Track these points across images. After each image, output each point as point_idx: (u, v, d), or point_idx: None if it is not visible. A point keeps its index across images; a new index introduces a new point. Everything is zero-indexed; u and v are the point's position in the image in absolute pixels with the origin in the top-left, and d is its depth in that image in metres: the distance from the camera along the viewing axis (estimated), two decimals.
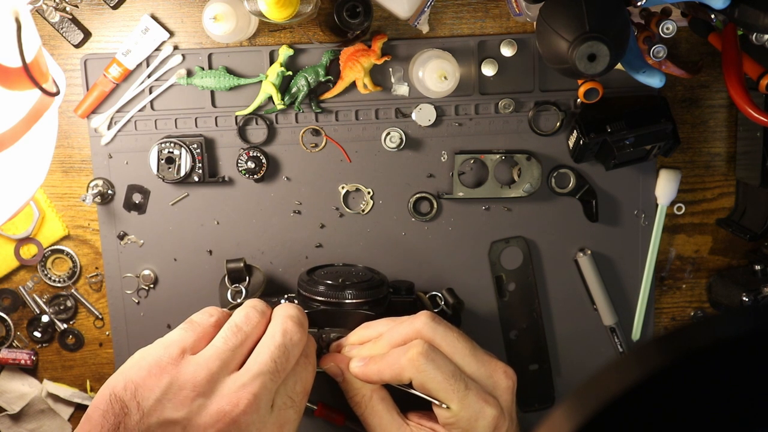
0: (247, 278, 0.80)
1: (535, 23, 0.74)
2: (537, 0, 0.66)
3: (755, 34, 0.67)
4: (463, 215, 0.83)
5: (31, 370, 0.86)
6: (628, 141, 0.77)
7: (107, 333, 0.85)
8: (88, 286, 0.85)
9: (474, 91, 0.81)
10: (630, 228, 0.84)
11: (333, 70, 0.80)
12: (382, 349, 0.69)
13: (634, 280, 0.85)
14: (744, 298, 0.80)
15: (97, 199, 0.81)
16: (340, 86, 0.80)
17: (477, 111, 0.82)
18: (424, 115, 0.81)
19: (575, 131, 0.79)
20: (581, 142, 0.78)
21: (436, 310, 0.79)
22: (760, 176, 0.78)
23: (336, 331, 0.73)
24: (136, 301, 0.84)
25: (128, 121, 0.81)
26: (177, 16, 0.80)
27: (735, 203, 0.85)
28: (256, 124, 0.82)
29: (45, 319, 0.85)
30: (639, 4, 0.63)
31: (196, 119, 0.81)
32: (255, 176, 0.81)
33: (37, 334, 0.85)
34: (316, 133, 0.82)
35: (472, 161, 0.82)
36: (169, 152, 0.80)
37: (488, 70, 0.81)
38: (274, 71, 0.79)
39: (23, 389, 0.85)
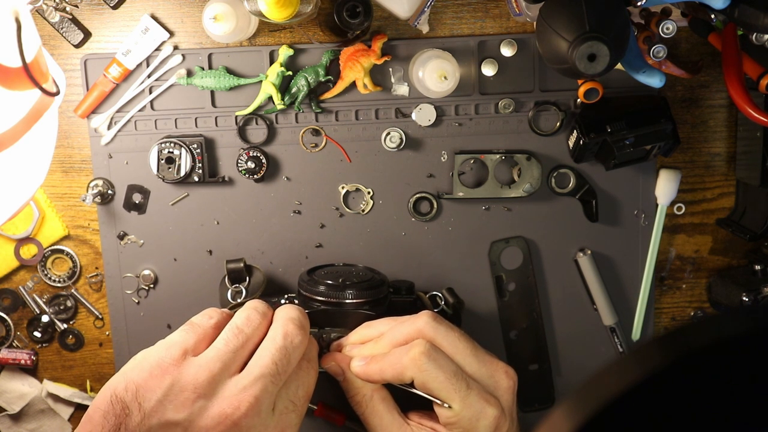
0: (247, 278, 0.80)
1: (535, 23, 0.74)
2: (537, 0, 0.66)
3: (755, 34, 0.67)
4: (463, 215, 0.83)
5: (31, 370, 0.86)
6: (628, 141, 0.77)
7: (107, 333, 0.85)
8: (88, 286, 0.85)
9: (474, 91, 0.81)
10: (630, 228, 0.84)
11: (333, 70, 0.80)
12: (383, 348, 0.69)
13: (634, 280, 0.85)
14: (744, 298, 0.80)
15: (97, 199, 0.81)
16: (340, 86, 0.80)
17: (477, 111, 0.82)
18: (424, 115, 0.81)
19: (575, 131, 0.79)
20: (581, 142, 0.78)
21: (436, 310, 0.79)
22: (760, 176, 0.78)
23: (336, 331, 0.73)
24: (136, 301, 0.84)
25: (128, 121, 0.81)
26: (177, 16, 0.80)
27: (735, 203, 0.85)
28: (256, 124, 0.82)
29: (45, 319, 0.85)
30: (639, 4, 0.63)
31: (196, 119, 0.81)
32: (255, 176, 0.81)
33: (37, 334, 0.85)
34: (316, 133, 0.82)
35: (472, 161, 0.82)
36: (169, 152, 0.80)
37: (488, 70, 0.81)
38: (274, 71, 0.79)
39: (23, 389, 0.85)
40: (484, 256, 0.84)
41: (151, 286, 0.84)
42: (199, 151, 0.80)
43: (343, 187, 0.83)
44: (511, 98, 0.81)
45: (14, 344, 0.86)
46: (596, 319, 0.85)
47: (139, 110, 0.81)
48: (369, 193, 0.83)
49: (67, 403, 0.85)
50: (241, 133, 0.82)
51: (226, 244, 0.83)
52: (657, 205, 0.83)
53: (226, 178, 0.82)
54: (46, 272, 0.84)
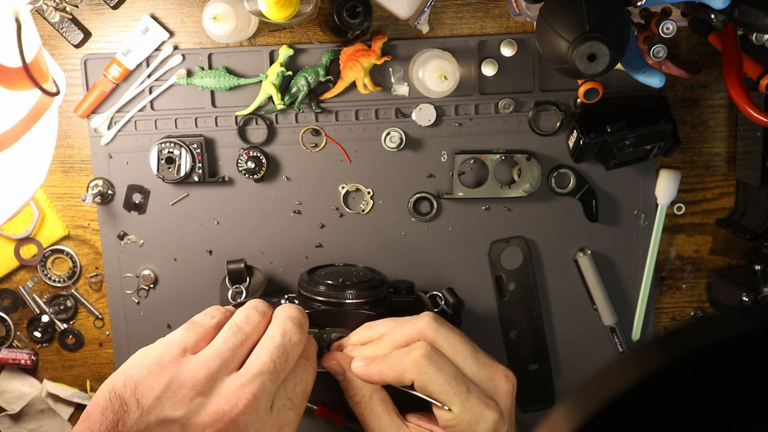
0: (248, 279, 0.80)
1: (535, 23, 0.74)
2: (537, 0, 0.66)
3: (755, 34, 0.67)
4: (463, 215, 0.83)
5: (31, 370, 0.86)
6: (628, 141, 0.77)
7: (107, 333, 0.85)
8: (88, 286, 0.85)
9: (474, 91, 0.81)
10: (630, 228, 0.84)
11: (333, 70, 0.80)
12: (384, 349, 0.69)
13: (634, 280, 0.85)
14: (744, 298, 0.80)
15: (97, 199, 0.81)
16: (340, 86, 0.80)
17: (477, 111, 0.82)
18: (424, 115, 0.81)
19: (575, 131, 0.79)
20: (581, 142, 0.78)
21: (436, 310, 0.79)
22: (760, 176, 0.78)
23: (337, 331, 0.73)
24: (136, 301, 0.84)
25: (128, 121, 0.81)
26: (177, 16, 0.80)
27: (735, 203, 0.85)
28: (256, 124, 0.82)
29: (45, 319, 0.85)
30: (639, 4, 0.63)
31: (196, 119, 0.81)
32: (255, 176, 0.81)
33: (37, 334, 0.85)
34: (316, 133, 0.82)
35: (472, 161, 0.82)
36: (169, 152, 0.80)
37: (488, 70, 0.81)
38: (274, 71, 0.79)
39: (23, 389, 0.85)
40: (484, 256, 0.84)
41: (151, 286, 0.84)
42: (199, 151, 0.80)
43: (343, 187, 0.83)
44: (511, 98, 0.81)
45: (14, 344, 0.86)
46: (596, 319, 0.85)
47: (139, 110, 0.81)
48: (369, 193, 0.83)
49: (67, 403, 0.85)
50: (241, 133, 0.82)
51: (226, 244, 0.83)
52: (657, 205, 0.83)
53: (226, 178, 0.82)
54: (46, 272, 0.84)
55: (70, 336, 0.85)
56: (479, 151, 0.82)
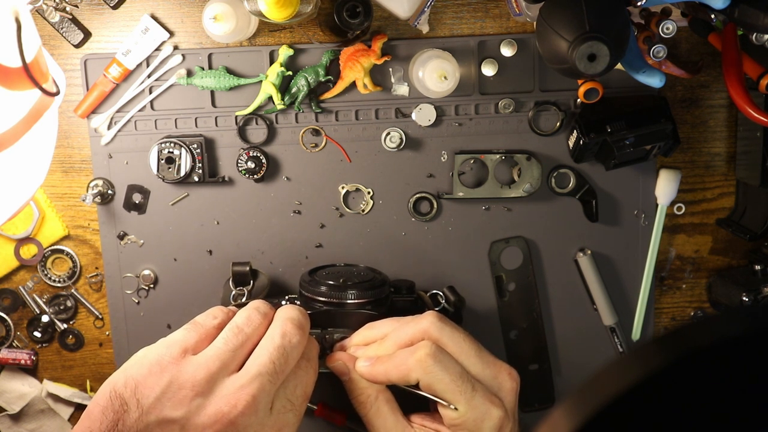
0: (252, 282, 0.80)
1: (535, 23, 0.74)
2: (537, 0, 0.66)
3: (755, 34, 0.67)
4: (463, 215, 0.83)
5: (31, 370, 0.86)
6: (628, 141, 0.77)
7: (107, 333, 0.85)
8: (88, 286, 0.85)
9: (474, 91, 0.81)
10: (630, 228, 0.84)
11: (333, 70, 0.80)
12: (388, 349, 0.69)
13: (634, 280, 0.85)
14: (744, 298, 0.80)
15: (97, 199, 0.81)
16: (340, 86, 0.80)
17: (477, 111, 0.82)
18: (424, 115, 0.81)
19: (575, 131, 0.79)
20: (581, 142, 0.78)
21: (437, 309, 0.79)
22: (760, 176, 0.78)
23: (339, 332, 0.73)
24: (136, 301, 0.84)
25: (128, 121, 0.81)
26: (177, 16, 0.80)
27: (735, 203, 0.85)
28: (256, 124, 0.82)
29: (45, 319, 0.85)
30: (639, 4, 0.63)
31: (196, 119, 0.81)
32: (255, 176, 0.81)
33: (37, 334, 0.85)
34: (316, 133, 0.82)
35: (472, 161, 0.82)
36: (169, 152, 0.80)
37: (488, 70, 0.81)
38: (274, 71, 0.79)
39: (23, 389, 0.85)
40: (484, 256, 0.84)
41: (151, 286, 0.84)
42: (199, 151, 0.80)
43: (343, 187, 0.83)
44: (511, 98, 0.81)
45: (14, 344, 0.86)
46: (596, 319, 0.85)
47: (139, 110, 0.81)
48: (369, 193, 0.83)
49: (67, 403, 0.85)
50: (241, 133, 0.82)
51: (226, 244, 0.83)
52: (657, 205, 0.83)
53: (226, 178, 0.82)
54: (46, 272, 0.84)
55: (70, 336, 0.85)
56: (479, 151, 0.82)
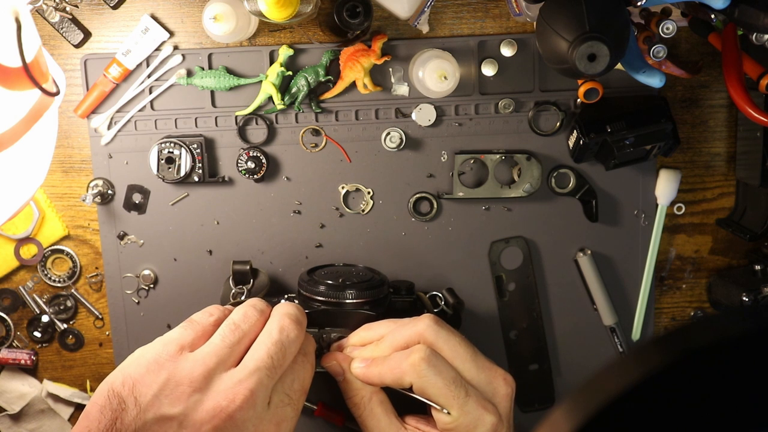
0: (252, 281, 0.80)
1: (535, 23, 0.74)
2: (537, 0, 0.66)
3: (755, 34, 0.67)
4: (463, 215, 0.83)
5: (31, 370, 0.86)
6: (628, 141, 0.77)
7: (107, 333, 0.85)
8: (88, 286, 0.85)
9: (474, 91, 0.81)
10: (630, 228, 0.84)
11: (333, 70, 0.80)
12: (384, 351, 0.69)
13: (634, 280, 0.85)
14: (744, 298, 0.80)
15: (97, 199, 0.81)
16: (340, 86, 0.80)
17: (477, 111, 0.82)
18: (424, 115, 0.81)
19: (575, 131, 0.79)
20: (581, 142, 0.78)
21: (436, 310, 0.79)
22: (760, 176, 0.78)
23: (337, 332, 0.73)
24: (136, 301, 0.84)
25: (128, 121, 0.81)
26: (177, 16, 0.80)
27: (735, 203, 0.85)
28: (256, 124, 0.82)
29: (45, 319, 0.85)
30: (639, 4, 0.63)
31: (196, 119, 0.81)
32: (255, 176, 0.81)
33: (37, 334, 0.85)
34: (316, 133, 0.82)
35: (472, 161, 0.82)
36: (169, 152, 0.80)
37: (488, 70, 0.81)
38: (274, 71, 0.79)
39: (23, 389, 0.85)
40: (484, 256, 0.84)
41: (151, 286, 0.84)
42: (199, 151, 0.80)
43: (343, 187, 0.83)
44: (511, 98, 0.81)
45: (14, 344, 0.86)
46: (596, 319, 0.85)
47: (139, 110, 0.81)
48: (369, 193, 0.83)
49: (67, 403, 0.85)
50: (241, 133, 0.82)
51: (226, 244, 0.83)
52: (657, 205, 0.83)
53: (226, 178, 0.82)
54: (46, 272, 0.84)
55: (70, 336, 0.85)
56: (479, 151, 0.82)
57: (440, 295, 0.80)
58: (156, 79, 0.80)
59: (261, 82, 0.80)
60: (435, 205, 0.83)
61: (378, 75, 0.81)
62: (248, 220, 0.83)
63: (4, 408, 0.85)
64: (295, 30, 0.81)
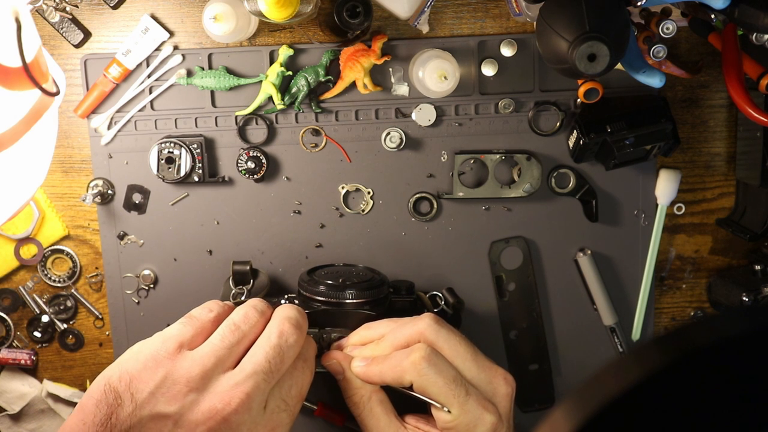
0: (252, 281, 0.80)
1: (535, 23, 0.74)
2: (537, 0, 0.66)
3: (755, 34, 0.67)
4: (463, 215, 0.83)
5: (31, 370, 0.86)
6: (628, 141, 0.77)
7: (107, 333, 0.85)
8: (88, 286, 0.85)
9: (474, 91, 0.81)
10: (630, 228, 0.84)
11: (333, 70, 0.80)
12: (384, 350, 0.69)
13: (634, 280, 0.85)
14: (744, 298, 0.80)
15: (97, 199, 0.81)
16: (340, 86, 0.80)
17: (477, 111, 0.82)
18: (424, 115, 0.81)
19: (575, 131, 0.79)
20: (581, 142, 0.78)
21: (436, 310, 0.79)
22: (760, 176, 0.78)
23: (337, 332, 0.73)
24: (136, 301, 0.84)
25: (128, 121, 0.81)
26: (177, 16, 0.80)
27: (735, 203, 0.85)
28: (256, 124, 0.82)
29: (45, 319, 0.85)
30: (639, 4, 0.63)
31: (196, 119, 0.81)
32: (255, 176, 0.81)
33: (37, 334, 0.85)
34: (316, 133, 0.82)
35: (472, 161, 0.82)
36: (169, 152, 0.80)
37: (488, 70, 0.81)
38: (274, 71, 0.79)
39: (23, 389, 0.85)
40: (484, 256, 0.84)
41: (151, 286, 0.84)
42: (199, 151, 0.80)
43: (343, 187, 0.83)
44: (511, 98, 0.81)
45: (14, 344, 0.86)
46: (596, 319, 0.85)
47: (139, 110, 0.81)
48: (369, 193, 0.83)
49: (67, 403, 0.85)
50: (241, 133, 0.82)
51: (226, 244, 0.83)
52: (657, 205, 0.83)
53: (226, 178, 0.82)
54: (46, 272, 0.84)
55: (70, 336, 0.85)
56: (479, 151, 0.82)
57: (440, 294, 0.80)
58: (156, 79, 0.80)
59: (261, 82, 0.80)
60: (435, 205, 0.83)
61: (378, 75, 0.81)
62: (248, 220, 0.83)
63: (4, 408, 0.85)
64: (295, 30, 0.81)
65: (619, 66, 0.66)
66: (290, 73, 0.80)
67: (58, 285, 0.84)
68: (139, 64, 0.80)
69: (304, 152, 0.82)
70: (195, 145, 0.80)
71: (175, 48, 0.80)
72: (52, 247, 0.84)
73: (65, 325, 0.85)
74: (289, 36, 0.81)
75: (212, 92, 0.81)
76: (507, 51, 0.81)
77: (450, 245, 0.84)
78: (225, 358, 0.62)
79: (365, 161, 0.83)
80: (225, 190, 0.82)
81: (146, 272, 0.83)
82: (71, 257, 0.84)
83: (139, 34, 0.79)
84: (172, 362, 0.60)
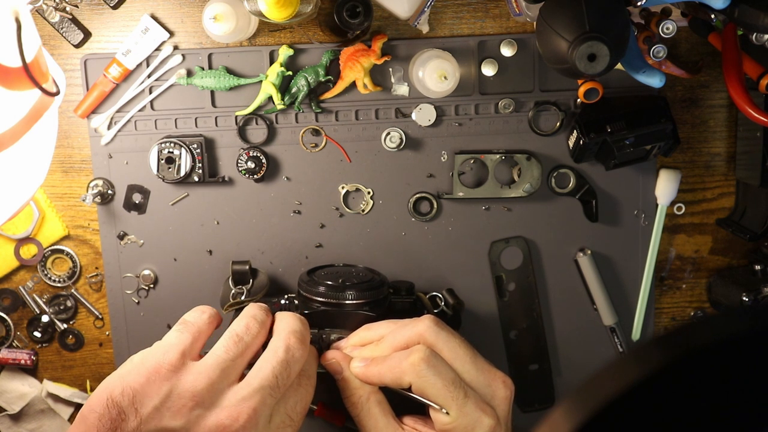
0: (251, 281, 0.79)
1: (535, 23, 0.74)
2: (537, 0, 0.66)
3: (755, 34, 0.67)
4: (463, 215, 0.83)
5: (31, 370, 0.86)
6: (628, 141, 0.77)
7: (107, 333, 0.85)
8: (88, 286, 0.85)
9: (474, 91, 0.81)
10: (630, 228, 0.84)
11: (333, 70, 0.80)
12: (383, 351, 0.68)
13: (634, 280, 0.85)
14: (744, 298, 0.80)
15: (97, 199, 0.81)
16: (340, 86, 0.80)
17: (477, 111, 0.82)
18: (424, 115, 0.81)
19: (575, 131, 0.79)
20: (581, 142, 0.78)
21: (436, 311, 0.79)
22: (760, 176, 0.78)
23: (336, 332, 0.73)
24: (136, 301, 0.84)
25: (128, 121, 0.81)
26: (177, 16, 0.80)
27: (735, 203, 0.85)
28: (256, 124, 0.82)
29: (45, 319, 0.85)
30: (639, 4, 0.63)
31: (196, 119, 0.81)
32: (255, 176, 0.81)
33: (37, 334, 0.85)
34: (316, 133, 0.82)
35: (472, 161, 0.82)
36: (169, 152, 0.80)
37: (488, 70, 0.81)
38: (274, 71, 0.79)
39: (23, 389, 0.85)
40: (484, 256, 0.84)
41: (151, 286, 0.84)
42: (199, 151, 0.80)
43: (343, 187, 0.83)
44: (511, 98, 0.81)
45: (14, 344, 0.86)
46: (596, 319, 0.85)
47: (139, 110, 0.81)
48: (369, 193, 0.83)
49: (67, 403, 0.85)
50: (241, 133, 0.82)
51: (226, 244, 0.83)
52: (657, 205, 0.83)
53: (226, 178, 0.82)
54: (46, 272, 0.84)
55: (70, 336, 0.85)
56: (479, 151, 0.82)
57: (440, 295, 0.80)
58: (156, 79, 0.80)
59: (261, 82, 0.80)
60: (435, 205, 0.83)
61: (378, 75, 0.81)
62: (248, 220, 0.83)
63: (4, 408, 0.85)
64: (295, 30, 0.81)
65: (619, 66, 0.66)
66: (290, 73, 0.80)
67: (58, 285, 0.84)
68: (139, 64, 0.80)
69: (304, 152, 0.82)
70: (195, 145, 0.80)
71: (175, 48, 0.80)
72: (52, 247, 0.84)
73: (65, 325, 0.85)
74: (289, 36, 0.81)
75: (212, 92, 0.81)
76: (507, 51, 0.81)
77: (450, 245, 0.84)
78: (230, 371, 0.61)
79: (365, 161, 0.83)
80: (225, 190, 0.82)
81: (146, 272, 0.83)
82: (71, 257, 0.84)
83: (139, 34, 0.79)
84: (176, 375, 0.59)
